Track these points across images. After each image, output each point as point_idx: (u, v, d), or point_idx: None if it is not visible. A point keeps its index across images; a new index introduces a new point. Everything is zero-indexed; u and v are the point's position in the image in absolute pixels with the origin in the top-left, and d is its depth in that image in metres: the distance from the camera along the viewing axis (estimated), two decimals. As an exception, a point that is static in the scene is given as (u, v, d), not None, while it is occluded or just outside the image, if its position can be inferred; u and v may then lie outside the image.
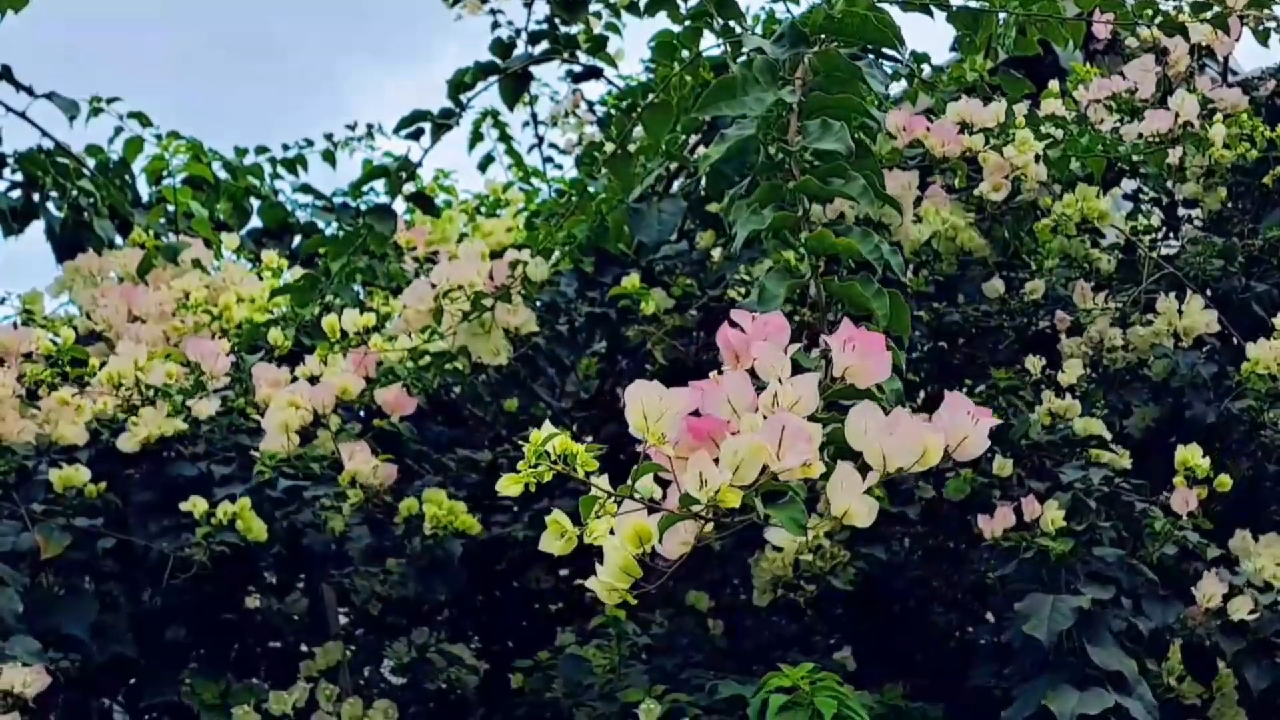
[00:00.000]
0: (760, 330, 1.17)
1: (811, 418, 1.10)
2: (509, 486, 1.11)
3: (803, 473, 1.07)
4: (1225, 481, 2.45)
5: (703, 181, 3.13)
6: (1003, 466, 2.51)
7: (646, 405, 1.08)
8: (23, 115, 3.17)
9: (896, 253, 1.44)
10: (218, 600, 2.89)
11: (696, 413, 1.10)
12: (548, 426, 1.10)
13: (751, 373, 1.14)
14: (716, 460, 1.06)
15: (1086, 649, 2.24)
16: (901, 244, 2.83)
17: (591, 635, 2.83)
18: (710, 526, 1.08)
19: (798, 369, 1.15)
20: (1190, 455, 2.44)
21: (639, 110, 2.53)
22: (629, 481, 1.08)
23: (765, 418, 1.07)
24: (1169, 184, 3.14)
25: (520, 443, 3.41)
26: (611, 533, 1.09)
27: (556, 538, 1.12)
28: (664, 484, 1.10)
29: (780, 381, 1.10)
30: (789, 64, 1.60)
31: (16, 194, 3.31)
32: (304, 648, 3.02)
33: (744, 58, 1.64)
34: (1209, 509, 2.45)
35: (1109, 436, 2.62)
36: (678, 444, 1.08)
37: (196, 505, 2.52)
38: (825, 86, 1.57)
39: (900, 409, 1.13)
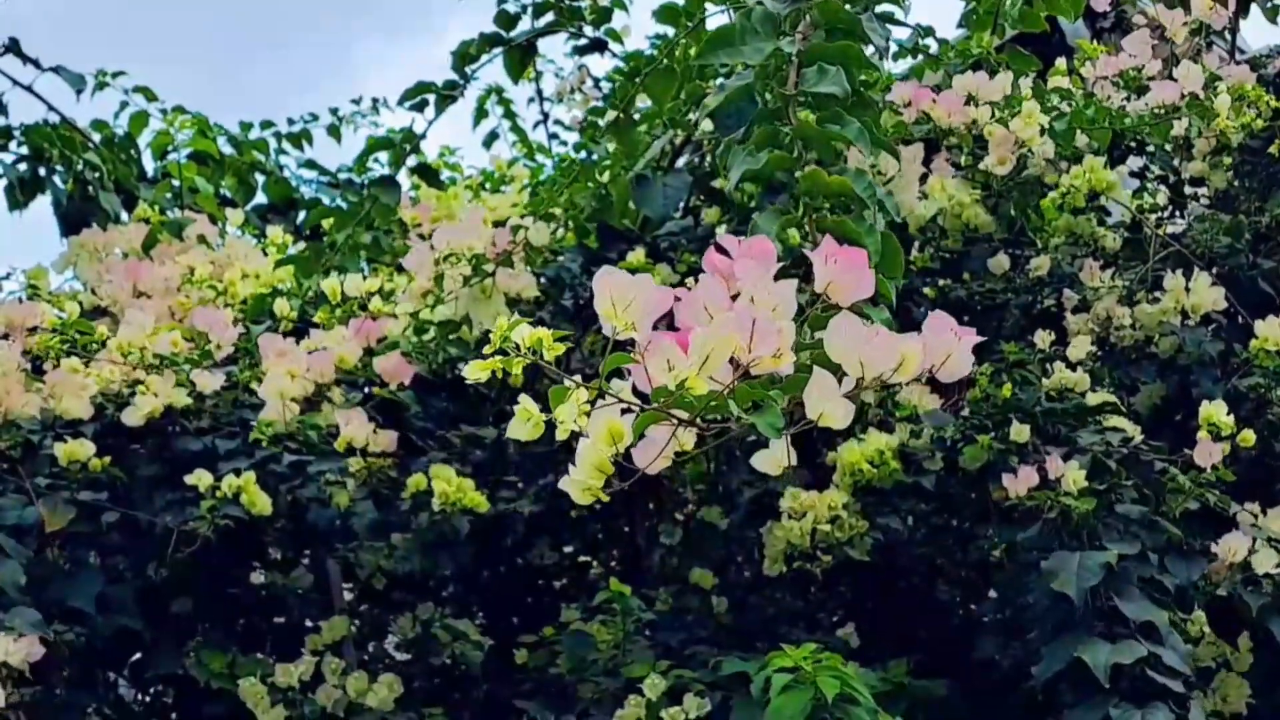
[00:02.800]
0: (745, 251, 1.15)
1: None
2: (475, 372, 1.08)
3: (772, 364, 1.04)
4: (1248, 437, 2.45)
5: (707, 157, 3.12)
6: (1020, 432, 2.51)
7: (615, 293, 1.05)
8: (29, 89, 3.17)
9: (891, 195, 1.43)
10: (223, 575, 2.90)
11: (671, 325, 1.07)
12: (515, 318, 1.08)
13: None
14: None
15: (1116, 603, 2.24)
16: (907, 220, 2.82)
17: (595, 611, 2.83)
18: (688, 437, 1.06)
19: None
20: (1214, 411, 2.45)
21: (643, 77, 2.52)
22: (600, 373, 1.06)
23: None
24: (1175, 162, 3.13)
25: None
26: (583, 435, 1.06)
27: (524, 423, 1.09)
28: (642, 397, 1.07)
29: (757, 289, 1.08)
30: (790, 19, 1.59)
31: (23, 167, 3.30)
32: (308, 623, 3.02)
33: (743, 8, 1.63)
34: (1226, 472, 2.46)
35: (1121, 407, 2.62)
36: (649, 344, 1.05)
37: (201, 479, 2.52)
38: (826, 39, 1.56)
39: (882, 327, 1.12)
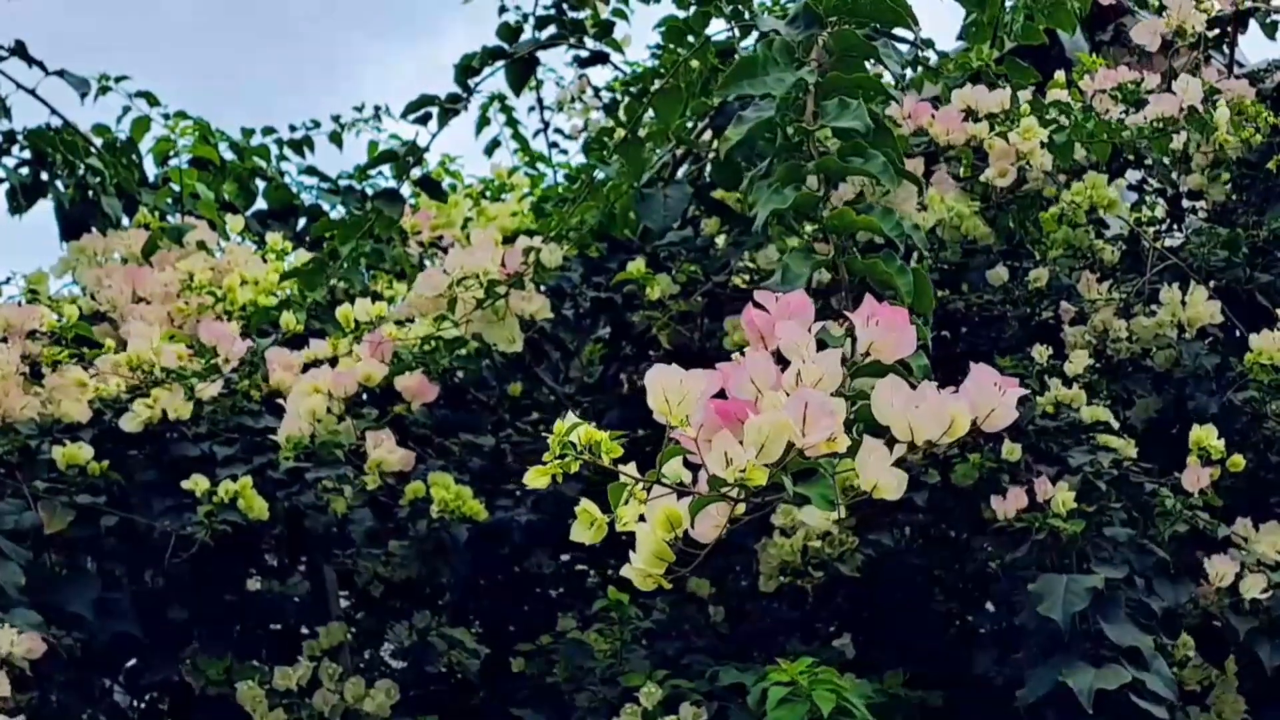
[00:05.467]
0: (784, 309, 1.17)
1: (837, 394, 1.10)
2: (536, 479, 1.10)
3: (827, 448, 1.06)
4: (1238, 461, 2.46)
5: (707, 169, 3.13)
6: (1011, 451, 2.52)
7: (667, 388, 1.08)
8: (32, 92, 3.17)
9: (919, 229, 1.44)
10: (219, 581, 2.90)
11: (722, 394, 1.10)
12: (570, 417, 1.10)
13: (777, 354, 1.14)
14: (741, 441, 1.05)
15: (1102, 627, 2.24)
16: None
17: (592, 620, 2.83)
18: (741, 507, 1.08)
19: (823, 347, 1.15)
20: (1204, 435, 2.45)
21: (649, 95, 2.53)
22: (656, 466, 1.08)
23: (788, 395, 1.07)
24: (1174, 175, 3.14)
25: (524, 427, 3.39)
26: (642, 519, 1.09)
27: (587, 527, 1.11)
28: (693, 468, 1.10)
29: (803, 359, 1.10)
30: (804, 45, 1.60)
31: (25, 171, 3.30)
32: (305, 630, 3.02)
33: (762, 37, 1.64)
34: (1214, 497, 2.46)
35: (1115, 424, 2.63)
36: (702, 426, 1.08)
37: (198, 483, 2.52)
38: (841, 66, 1.57)
39: (926, 383, 1.13)
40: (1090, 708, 2.15)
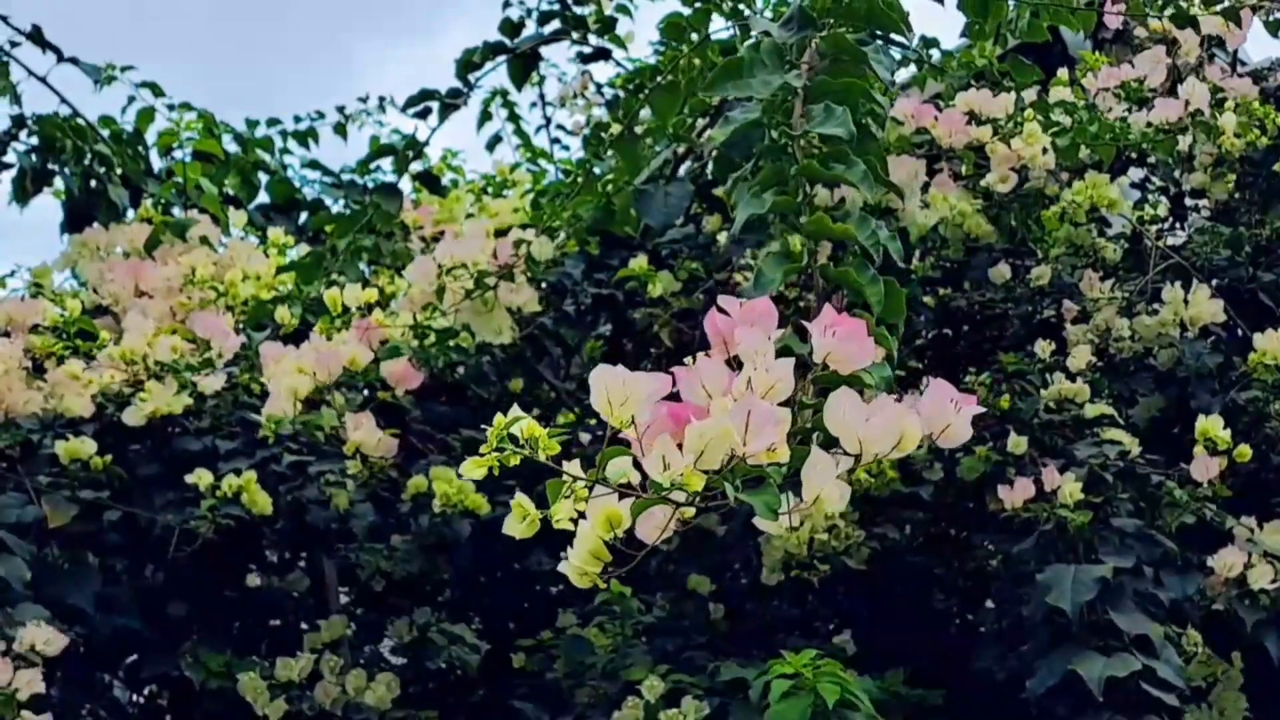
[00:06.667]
0: (747, 315, 1.17)
1: (787, 403, 1.10)
2: (472, 470, 1.10)
3: (768, 457, 1.06)
4: (1245, 451, 2.46)
5: (709, 166, 3.13)
6: (1017, 444, 2.52)
7: (610, 389, 1.08)
8: (43, 80, 3.17)
9: (895, 238, 1.44)
10: (219, 577, 2.90)
11: (677, 397, 1.10)
12: (515, 410, 1.10)
13: (737, 360, 1.14)
14: (681, 446, 1.06)
15: (1111, 616, 2.25)
16: (908, 229, 2.83)
17: (593, 614, 2.84)
18: (691, 511, 1.08)
19: (788, 354, 1.15)
20: (1210, 426, 2.45)
21: (647, 92, 2.53)
22: (597, 466, 1.08)
23: (736, 401, 1.07)
24: (1177, 174, 3.14)
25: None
26: (582, 516, 1.09)
27: (519, 521, 1.11)
28: (640, 468, 1.10)
29: (757, 367, 1.10)
30: (796, 47, 1.60)
31: (34, 158, 3.30)
32: (304, 626, 3.02)
33: (752, 40, 1.64)
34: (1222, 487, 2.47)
35: (1119, 420, 2.63)
36: (649, 429, 1.08)
37: (201, 477, 2.52)
38: (831, 70, 1.57)
39: (883, 395, 1.13)
40: (1101, 696, 2.15)
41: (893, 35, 1.92)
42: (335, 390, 2.64)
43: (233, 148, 3.65)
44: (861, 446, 1.12)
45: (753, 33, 1.75)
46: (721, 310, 1.19)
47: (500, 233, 2.84)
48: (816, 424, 1.13)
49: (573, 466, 1.10)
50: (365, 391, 2.80)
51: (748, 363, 1.12)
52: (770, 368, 1.11)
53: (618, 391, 1.08)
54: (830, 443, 1.14)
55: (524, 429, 1.08)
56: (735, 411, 1.06)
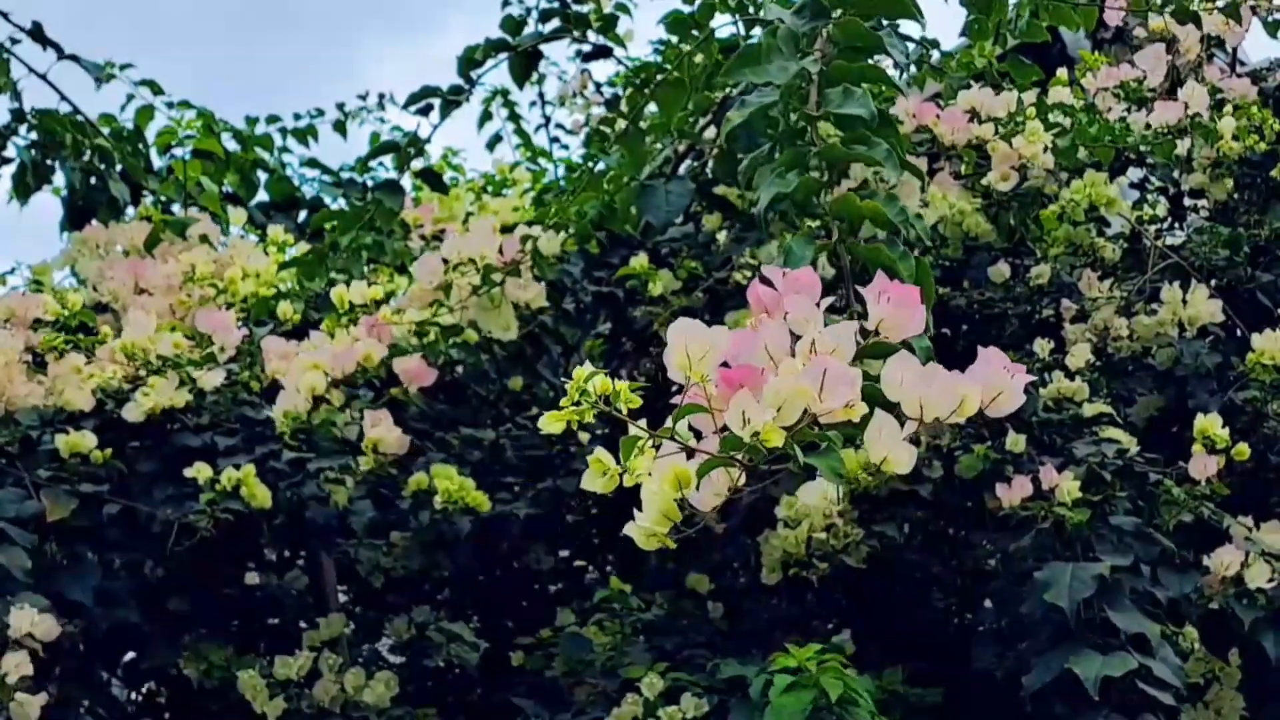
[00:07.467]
0: (792, 285, 1.16)
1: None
2: (550, 424, 1.08)
3: (844, 414, 1.05)
4: (1244, 450, 2.46)
5: (709, 164, 3.13)
6: (1016, 442, 2.52)
7: (690, 343, 1.07)
8: (43, 77, 3.16)
9: (921, 220, 1.44)
10: (218, 575, 2.90)
11: (725, 365, 1.09)
12: (588, 365, 1.08)
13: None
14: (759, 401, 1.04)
15: (1108, 615, 2.25)
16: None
17: (592, 612, 2.84)
18: (743, 478, 1.07)
19: (829, 324, 1.15)
20: (1208, 424, 2.46)
21: (652, 87, 2.53)
22: (669, 423, 1.07)
23: (803, 364, 1.07)
24: (1175, 174, 3.14)
25: (524, 422, 3.38)
26: (650, 477, 1.07)
27: (599, 476, 1.09)
28: (698, 434, 1.09)
29: (812, 333, 1.10)
30: (808, 36, 1.61)
31: (34, 152, 3.29)
32: (303, 624, 3.02)
33: (767, 26, 1.64)
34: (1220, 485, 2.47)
35: (1118, 419, 2.64)
36: (725, 398, 1.06)
37: (201, 471, 2.52)
38: (845, 58, 1.58)
39: (933, 363, 1.13)
40: (1097, 695, 2.15)
41: (902, 24, 1.93)
42: (335, 388, 2.64)
43: (232, 146, 3.64)
44: (922, 410, 1.11)
45: (767, 18, 1.75)
46: (765, 281, 1.18)
47: (505, 230, 2.84)
48: (868, 393, 1.12)
49: (642, 424, 1.08)
50: (364, 390, 2.81)
51: (802, 330, 1.11)
52: (830, 332, 1.11)
53: (697, 345, 1.07)
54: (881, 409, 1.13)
55: (599, 384, 1.07)
56: (811, 370, 1.05)
